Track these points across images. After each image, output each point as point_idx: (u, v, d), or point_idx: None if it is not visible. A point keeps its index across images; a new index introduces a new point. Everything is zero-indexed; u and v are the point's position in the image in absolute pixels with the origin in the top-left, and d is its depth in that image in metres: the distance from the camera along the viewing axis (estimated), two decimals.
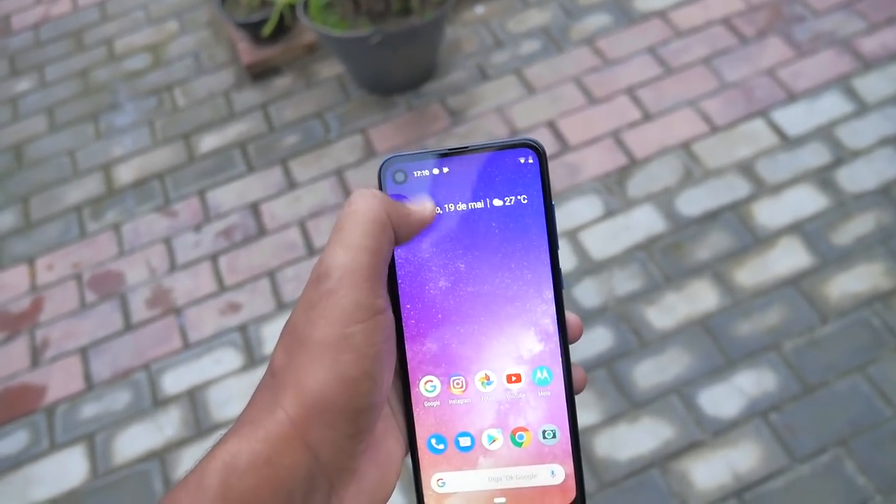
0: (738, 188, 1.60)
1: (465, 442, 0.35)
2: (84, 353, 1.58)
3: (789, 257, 1.48)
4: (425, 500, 0.36)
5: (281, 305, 1.59)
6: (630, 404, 1.34)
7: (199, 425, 1.44)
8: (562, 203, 1.64)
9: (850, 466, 1.23)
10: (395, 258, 0.35)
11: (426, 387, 0.36)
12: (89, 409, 1.50)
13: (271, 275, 1.64)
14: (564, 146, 1.74)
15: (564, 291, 0.36)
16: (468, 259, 0.35)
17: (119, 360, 1.56)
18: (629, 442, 1.30)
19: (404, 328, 0.35)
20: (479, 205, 0.35)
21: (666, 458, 1.28)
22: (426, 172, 0.36)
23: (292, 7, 1.97)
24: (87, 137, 2.03)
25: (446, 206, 0.36)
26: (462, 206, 0.35)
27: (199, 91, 2.08)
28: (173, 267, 1.69)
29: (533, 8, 2.07)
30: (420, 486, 0.36)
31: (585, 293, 1.49)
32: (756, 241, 1.51)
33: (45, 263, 1.76)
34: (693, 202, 1.59)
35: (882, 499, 1.19)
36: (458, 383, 0.36)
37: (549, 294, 0.35)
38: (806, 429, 1.28)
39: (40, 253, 1.78)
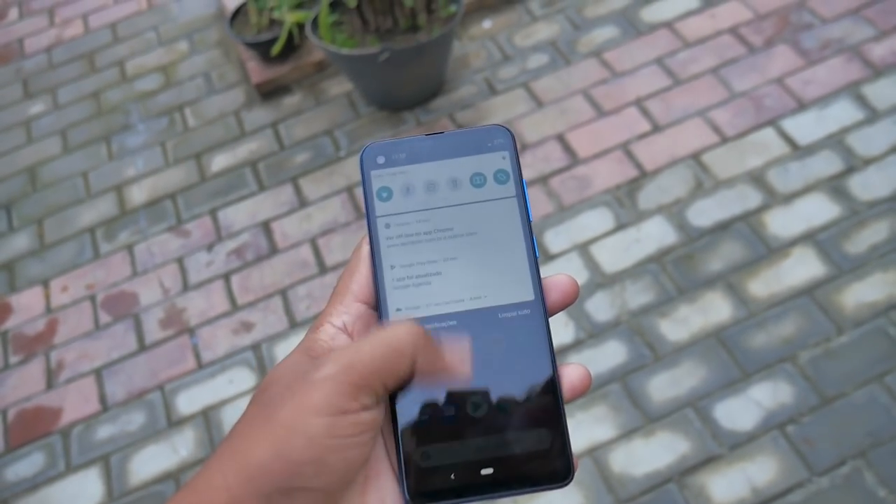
0: (749, 198, 1.59)
1: (449, 410, 0.35)
2: (98, 374, 1.59)
3: (803, 267, 1.47)
4: (410, 477, 0.34)
5: (294, 324, 1.59)
6: (645, 418, 1.34)
7: (213, 446, 1.44)
8: (572, 216, 1.63)
9: (871, 478, 1.22)
10: (380, 238, 0.37)
11: None
12: (104, 431, 1.50)
13: (283, 293, 1.64)
14: (574, 159, 1.74)
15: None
16: (450, 235, 0.37)
17: (133, 380, 1.57)
18: (645, 457, 1.30)
19: (388, 299, 0.36)
20: (458, 184, 0.37)
21: (683, 473, 1.27)
22: (405, 156, 0.38)
23: (301, 26, 1.98)
24: (100, 159, 2.05)
25: (427, 187, 0.37)
26: (441, 187, 0.37)
27: (209, 111, 2.10)
28: (186, 287, 1.70)
29: (540, 21, 2.08)
30: (403, 462, 0.34)
31: (598, 307, 1.48)
32: (769, 251, 1.50)
33: (60, 285, 1.77)
34: (704, 213, 1.58)
35: None
36: None
37: (527, 261, 0.36)
38: (824, 441, 1.27)
39: (55, 274, 1.80)
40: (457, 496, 0.34)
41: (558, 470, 0.34)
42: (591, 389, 1.37)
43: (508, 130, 0.38)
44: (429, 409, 0.35)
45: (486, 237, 0.37)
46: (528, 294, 0.36)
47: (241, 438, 0.32)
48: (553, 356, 0.36)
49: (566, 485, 0.35)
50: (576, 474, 0.36)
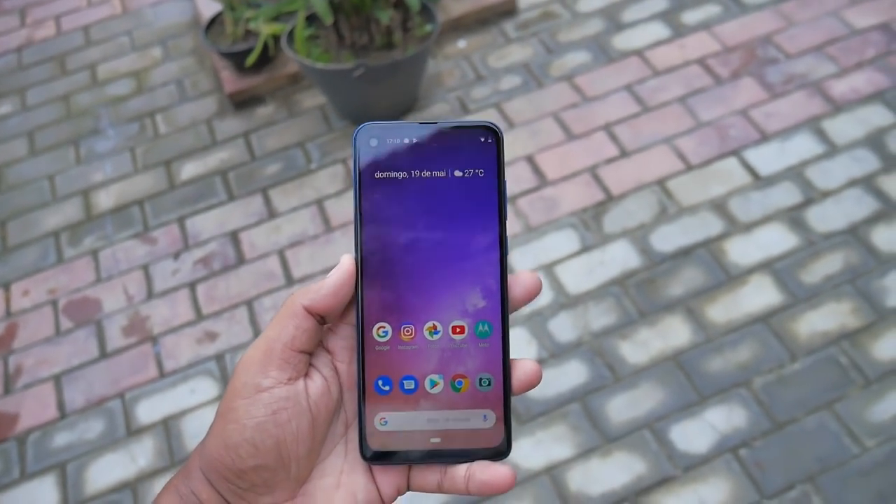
0: (711, 226, 1.63)
1: (408, 385, 0.39)
2: (58, 380, 1.57)
3: (760, 295, 1.51)
4: (367, 437, 0.38)
5: (258, 335, 1.58)
6: (603, 439, 1.36)
7: (172, 455, 1.43)
8: (539, 237, 1.66)
9: (818, 503, 1.25)
10: (364, 214, 0.39)
11: (378, 332, 0.39)
12: (62, 438, 1.49)
13: (249, 304, 1.64)
14: (542, 181, 1.77)
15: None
16: (427, 221, 0.39)
17: (93, 388, 1.55)
18: (602, 477, 1.32)
19: (364, 278, 0.39)
20: (442, 174, 0.39)
21: (638, 493, 1.29)
22: (397, 140, 0.39)
23: (276, 38, 1.99)
24: (68, 162, 2.03)
25: (413, 171, 0.39)
26: (427, 174, 0.39)
27: (181, 118, 2.09)
28: (151, 294, 1.69)
29: (514, 43, 2.11)
30: (363, 424, 0.38)
31: (561, 327, 1.50)
32: (728, 278, 1.54)
33: (21, 289, 1.75)
34: (667, 238, 1.62)
35: None
36: (407, 331, 0.39)
37: (496, 257, 0.39)
38: (775, 465, 1.30)
39: (16, 278, 1.77)
40: (406, 459, 0.39)
41: (496, 446, 0.39)
42: (551, 405, 1.39)
43: (497, 130, 0.40)
44: (392, 381, 0.39)
45: (462, 234, 0.39)
46: (491, 293, 0.39)
47: (205, 439, 0.38)
48: (507, 351, 0.39)
49: (503, 459, 0.39)
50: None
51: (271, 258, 1.72)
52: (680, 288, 1.54)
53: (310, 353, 0.38)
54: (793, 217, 1.62)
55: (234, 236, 1.78)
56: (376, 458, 0.38)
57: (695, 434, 1.35)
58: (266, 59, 2.07)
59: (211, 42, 2.08)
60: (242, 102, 2.08)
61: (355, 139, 0.40)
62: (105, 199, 1.92)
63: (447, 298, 0.39)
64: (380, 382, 0.39)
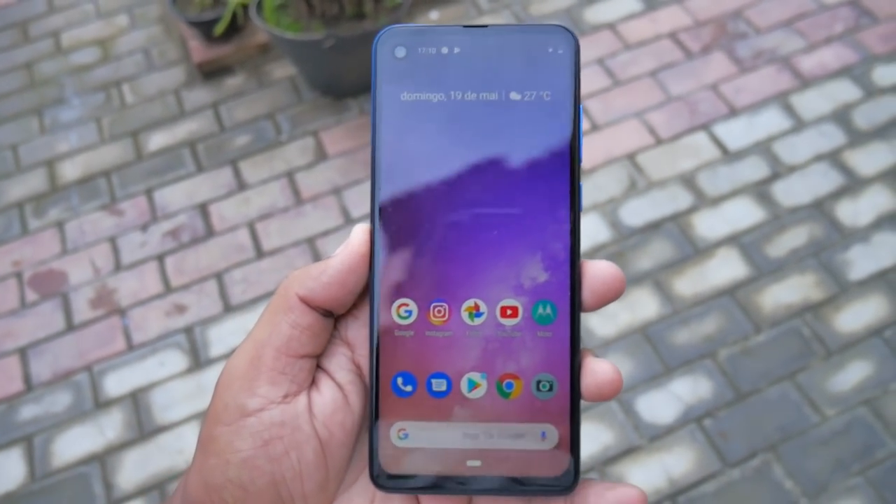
0: (680, 200, 1.64)
1: (439, 386, 0.29)
2: (23, 353, 1.55)
3: (726, 268, 1.53)
4: (380, 454, 0.29)
5: (228, 308, 1.58)
6: None
7: (141, 428, 1.43)
8: None
9: (779, 471, 1.28)
10: (384, 150, 0.29)
11: (400, 312, 0.29)
12: (28, 411, 1.47)
13: (219, 277, 1.63)
14: None
15: (582, 215, 0.30)
16: (471, 161, 0.29)
17: (60, 360, 1.54)
18: None
19: (382, 237, 0.29)
20: (493, 96, 0.29)
21: (604, 462, 1.32)
22: (433, 50, 0.29)
23: (245, 7, 1.96)
24: (31, 132, 1.99)
25: (452, 93, 0.29)
26: (471, 96, 0.29)
27: (148, 88, 2.06)
28: (118, 267, 1.67)
29: (486, 15, 2.10)
30: (375, 436, 0.29)
31: None
32: (696, 251, 1.56)
33: None
34: (637, 212, 1.63)
35: (808, 502, 1.25)
36: (439, 311, 0.29)
37: (565, 214, 0.29)
38: (738, 435, 1.33)
39: None
40: (432, 487, 0.29)
41: (557, 476, 0.29)
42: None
43: (573, 35, 0.29)
44: (416, 379, 0.29)
45: (519, 181, 0.29)
46: (556, 264, 0.29)
47: (188, 471, 0.30)
48: (576, 344, 0.30)
49: (566, 494, 0.29)
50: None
51: (241, 230, 1.71)
52: (648, 261, 1.55)
53: (315, 356, 0.29)
54: (759, 191, 1.64)
55: (202, 208, 1.76)
56: (391, 482, 0.28)
57: (661, 405, 1.37)
58: (235, 28, 2.03)
59: (178, 10, 2.04)
60: (211, 73, 2.05)
61: (375, 48, 0.30)
62: (70, 170, 1.88)
63: (495, 269, 0.29)
64: (399, 381, 0.29)
